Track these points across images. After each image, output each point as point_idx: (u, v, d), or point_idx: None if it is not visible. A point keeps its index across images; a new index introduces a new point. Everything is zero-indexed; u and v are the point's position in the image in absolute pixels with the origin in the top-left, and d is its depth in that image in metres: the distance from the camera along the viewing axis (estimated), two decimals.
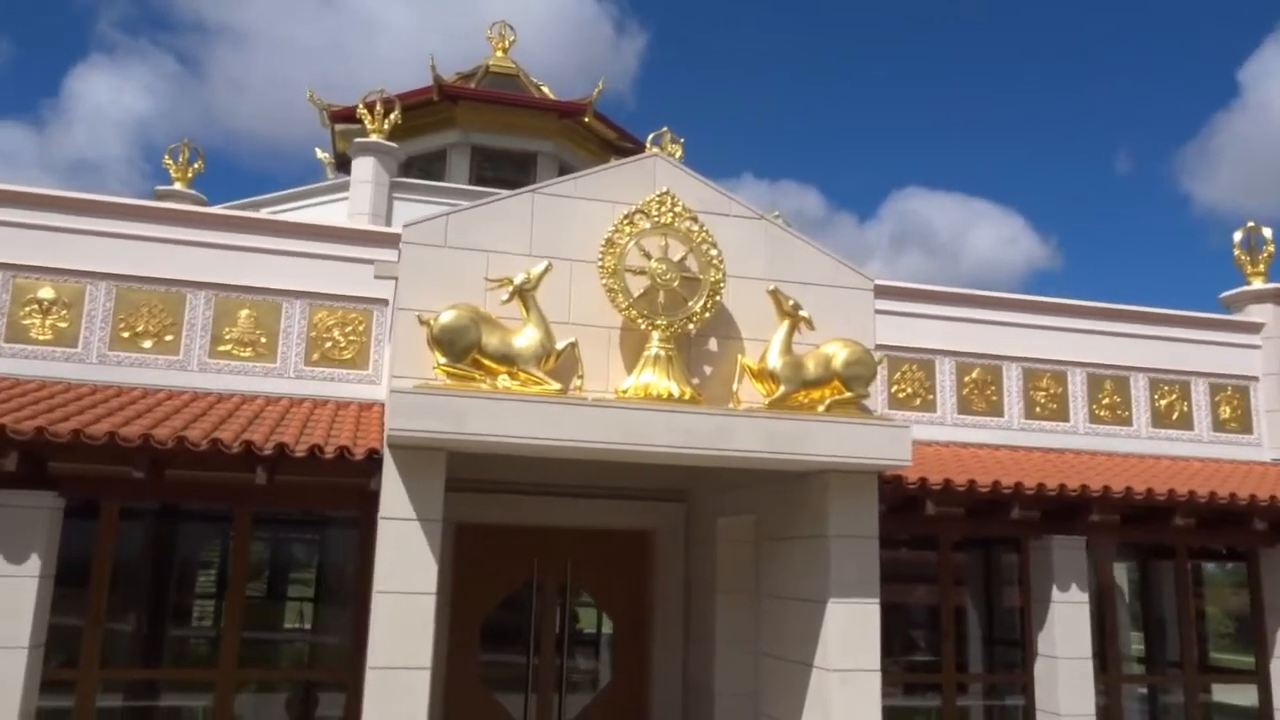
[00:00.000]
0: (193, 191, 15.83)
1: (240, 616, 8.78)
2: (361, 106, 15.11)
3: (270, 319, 10.39)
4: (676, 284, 7.53)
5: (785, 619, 8.40)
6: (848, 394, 7.65)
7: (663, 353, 7.40)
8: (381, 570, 6.96)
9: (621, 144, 18.64)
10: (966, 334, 12.25)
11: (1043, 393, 12.39)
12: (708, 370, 7.82)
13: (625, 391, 7.34)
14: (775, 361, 7.60)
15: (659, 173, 8.00)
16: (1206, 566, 13.09)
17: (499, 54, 19.95)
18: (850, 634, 7.64)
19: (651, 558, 10.90)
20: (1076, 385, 12.55)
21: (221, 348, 10.22)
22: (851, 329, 8.07)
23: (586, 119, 17.78)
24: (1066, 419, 12.42)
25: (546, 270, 7.32)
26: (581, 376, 7.33)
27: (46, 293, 9.93)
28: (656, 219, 7.65)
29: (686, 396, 7.33)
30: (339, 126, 18.40)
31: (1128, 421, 12.62)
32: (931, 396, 12.02)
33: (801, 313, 7.73)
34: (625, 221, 7.60)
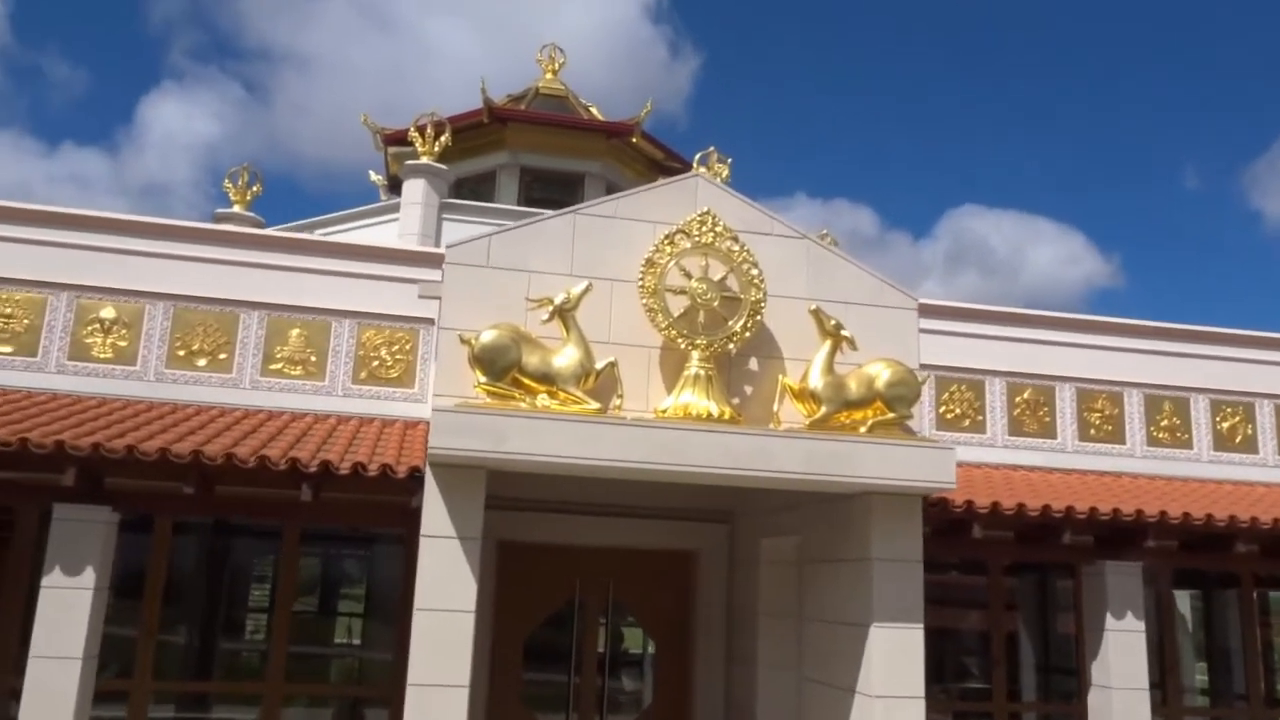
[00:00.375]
0: (251, 214, 16.18)
1: (287, 631, 8.91)
2: (413, 129, 15.38)
3: (320, 338, 10.58)
4: (717, 303, 7.52)
5: (828, 643, 8.29)
6: (890, 415, 7.56)
7: (702, 372, 7.39)
8: (422, 587, 7.02)
9: (669, 164, 18.69)
10: (1018, 354, 12.04)
11: (1097, 414, 12.12)
12: (748, 390, 7.79)
13: (665, 411, 7.34)
14: (816, 381, 7.55)
15: (700, 193, 8.01)
16: (1275, 595, 12.68)
17: (549, 76, 20.15)
18: (894, 659, 7.51)
19: (694, 579, 10.84)
20: (1133, 406, 12.26)
21: (273, 366, 10.42)
22: (895, 349, 7.98)
23: (634, 139, 17.88)
24: (1122, 441, 12.13)
25: (586, 290, 7.36)
26: (621, 396, 7.35)
27: (108, 312, 10.23)
28: (697, 239, 7.66)
29: (726, 416, 7.31)
30: (392, 149, 18.72)
31: (1188, 444, 12.29)
32: (981, 418, 11.83)
33: (843, 332, 7.67)
34: (666, 241, 7.62)
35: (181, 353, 10.28)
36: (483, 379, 7.08)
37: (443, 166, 15.12)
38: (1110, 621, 9.12)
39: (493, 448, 6.80)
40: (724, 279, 7.61)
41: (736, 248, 7.70)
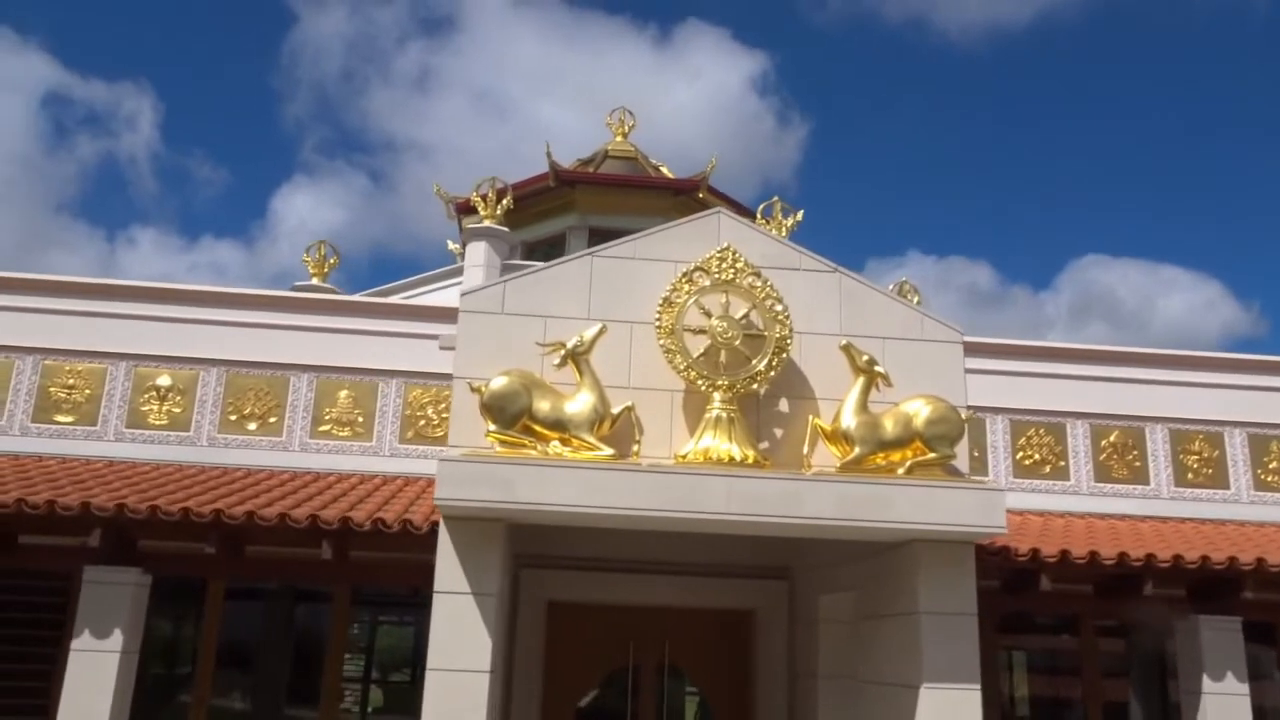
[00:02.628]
0: (327, 285, 16.57)
1: (337, 697, 8.82)
2: (474, 195, 15.57)
3: (368, 399, 10.59)
4: (739, 342, 7.15)
5: (880, 706, 7.65)
6: (931, 455, 7.00)
7: (724, 414, 7.00)
8: (434, 647, 6.74)
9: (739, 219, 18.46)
10: (1102, 394, 11.26)
11: (1195, 456, 11.17)
12: (779, 433, 7.35)
13: (685, 456, 6.96)
14: (849, 421, 7.07)
15: (723, 229, 7.72)
16: None
17: (619, 138, 20.29)
18: None
19: (753, 639, 10.25)
20: (1236, 448, 11.26)
21: (321, 428, 10.46)
22: (939, 386, 7.44)
23: (700, 195, 17.73)
24: (1225, 485, 11.13)
25: (600, 333, 7.10)
26: (638, 441, 7.01)
27: (164, 380, 10.46)
28: (717, 275, 7.34)
29: (750, 460, 6.88)
30: (464, 218, 19.03)
31: None
32: (1063, 463, 11.03)
33: (877, 368, 7.19)
34: (684, 280, 7.32)
35: (234, 417, 10.41)
36: (493, 427, 6.85)
37: (504, 229, 15.22)
38: (1207, 683, 8.19)
39: (501, 498, 6.53)
40: (746, 316, 7.25)
41: (759, 283, 7.34)
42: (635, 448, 7.00)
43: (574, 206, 18.43)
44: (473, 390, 6.97)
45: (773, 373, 7.18)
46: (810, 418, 7.26)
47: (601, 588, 10.02)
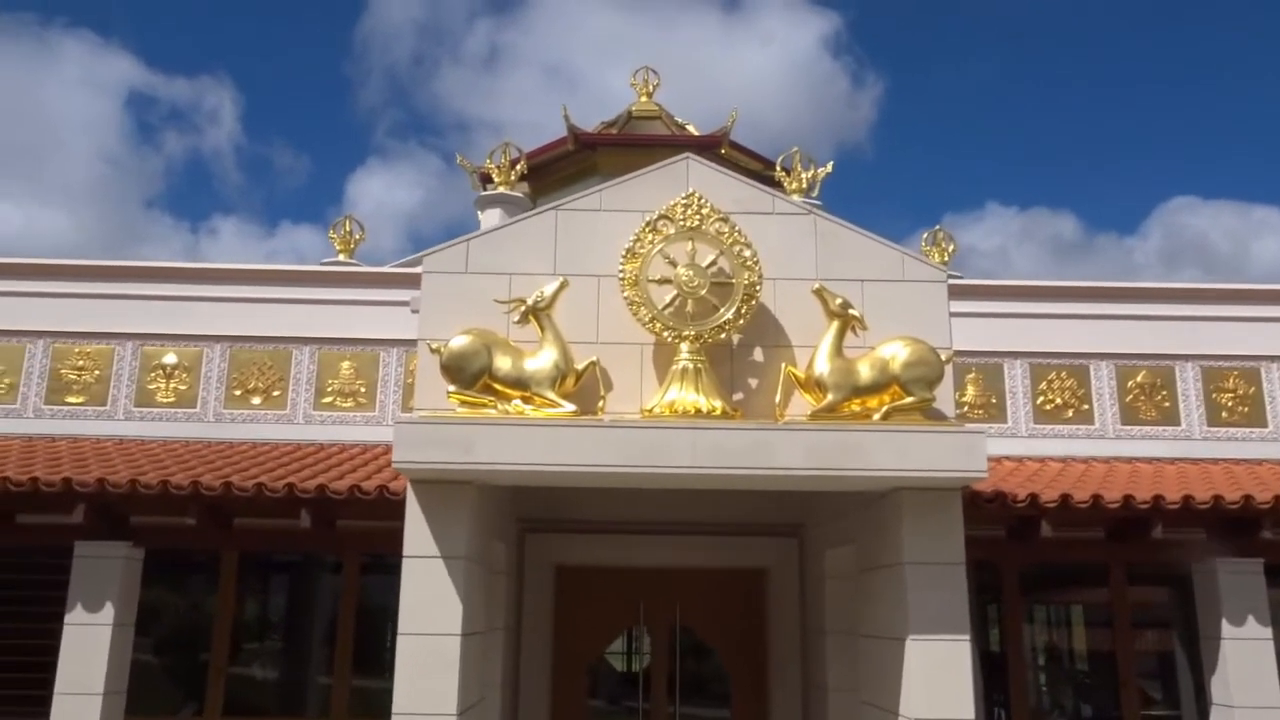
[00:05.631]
0: (354, 261, 16.64)
1: (349, 664, 8.92)
2: (488, 162, 15.44)
3: (369, 369, 10.58)
4: (705, 291, 6.89)
5: (875, 660, 7.41)
6: (909, 399, 6.69)
7: (691, 365, 6.77)
8: (405, 611, 6.68)
9: (767, 173, 18.02)
10: (1126, 333, 10.74)
11: (1229, 394, 10.61)
12: (754, 383, 7.10)
13: (650, 410, 6.76)
14: (822, 367, 6.79)
15: (692, 175, 7.45)
16: None
17: (643, 99, 19.92)
18: (935, 677, 6.59)
19: (766, 598, 10.07)
20: (1275, 383, 10.66)
21: (325, 399, 10.49)
22: (922, 328, 7.10)
23: (723, 150, 17.33)
24: (1264, 424, 10.56)
25: (561, 288, 6.91)
26: (604, 397, 6.83)
27: (170, 358, 10.57)
28: (682, 223, 7.09)
29: (718, 412, 6.65)
30: (487, 186, 18.93)
31: None
32: (1087, 406, 10.56)
33: (851, 311, 6.88)
34: (647, 229, 7.08)
35: (238, 392, 10.49)
36: (453, 388, 6.73)
37: (518, 195, 15.08)
38: (1226, 628, 7.78)
39: (460, 459, 6.42)
40: (714, 263, 6.99)
41: (726, 228, 7.07)
42: (600, 403, 6.82)
43: (596, 169, 18.15)
44: (432, 351, 6.86)
45: (742, 321, 6.92)
46: (783, 365, 6.99)
47: (610, 550, 9.92)
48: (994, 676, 9.66)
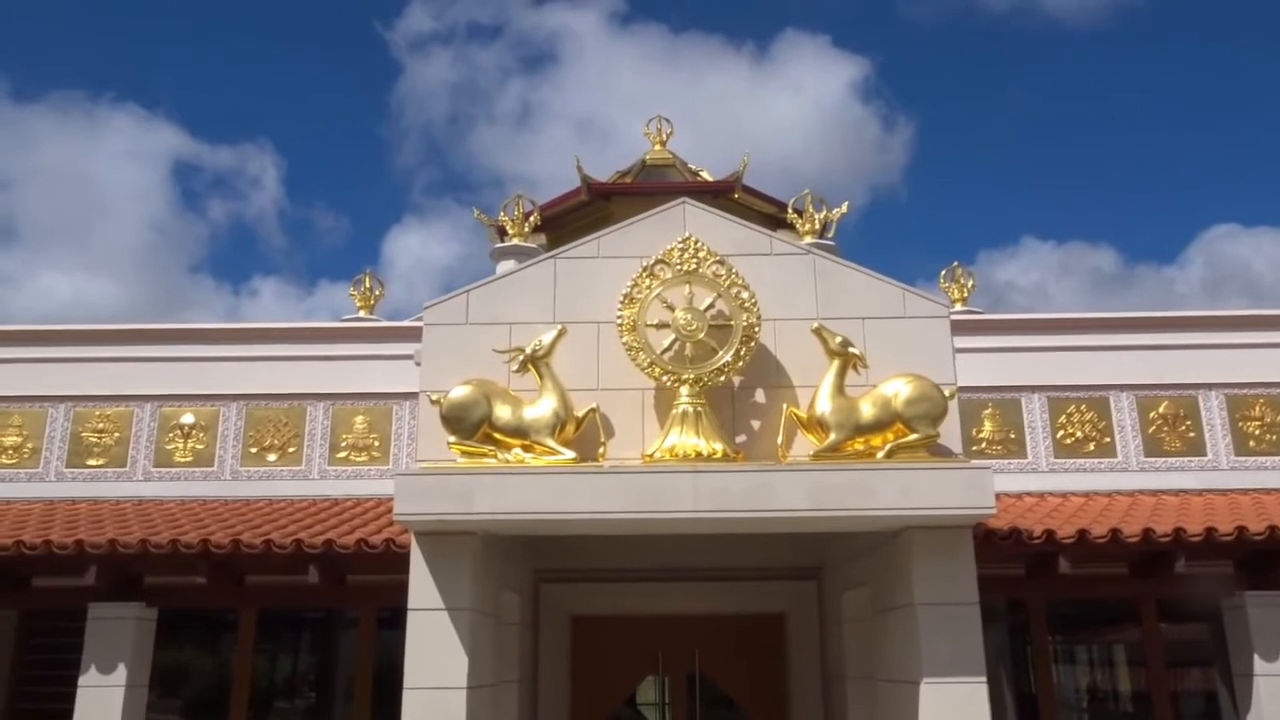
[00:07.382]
0: (374, 316, 16.81)
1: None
2: (501, 214, 15.59)
3: (383, 423, 10.63)
4: (703, 334, 6.87)
5: (893, 705, 7.23)
6: (913, 436, 6.60)
7: (691, 409, 6.74)
8: (410, 665, 6.63)
9: (780, 216, 18.06)
10: (1146, 363, 10.56)
11: (1256, 423, 10.37)
12: (756, 425, 7.04)
13: (651, 455, 6.72)
14: (824, 406, 6.72)
15: (689, 219, 7.47)
16: None
17: (657, 147, 20.09)
18: None
19: (784, 643, 9.88)
20: None
21: (339, 454, 10.55)
22: (926, 363, 7.02)
23: (736, 195, 17.39)
24: None
25: (559, 336, 6.92)
26: (605, 443, 6.80)
27: (187, 418, 10.69)
28: (679, 267, 7.09)
29: (719, 454, 6.60)
30: (503, 239, 19.11)
31: None
32: (1108, 439, 10.36)
33: (852, 349, 6.82)
34: (645, 274, 7.09)
35: (254, 449, 10.57)
36: (453, 438, 6.73)
37: (532, 245, 15.17)
38: (1259, 665, 7.52)
39: (460, 509, 6.40)
40: (712, 306, 6.97)
41: (724, 271, 7.06)
42: (601, 450, 6.79)
43: (610, 218, 18.25)
44: (432, 402, 6.87)
45: (741, 362, 6.88)
46: (785, 406, 6.93)
47: (626, 599, 9.80)
48: (1031, 717, 9.39)
